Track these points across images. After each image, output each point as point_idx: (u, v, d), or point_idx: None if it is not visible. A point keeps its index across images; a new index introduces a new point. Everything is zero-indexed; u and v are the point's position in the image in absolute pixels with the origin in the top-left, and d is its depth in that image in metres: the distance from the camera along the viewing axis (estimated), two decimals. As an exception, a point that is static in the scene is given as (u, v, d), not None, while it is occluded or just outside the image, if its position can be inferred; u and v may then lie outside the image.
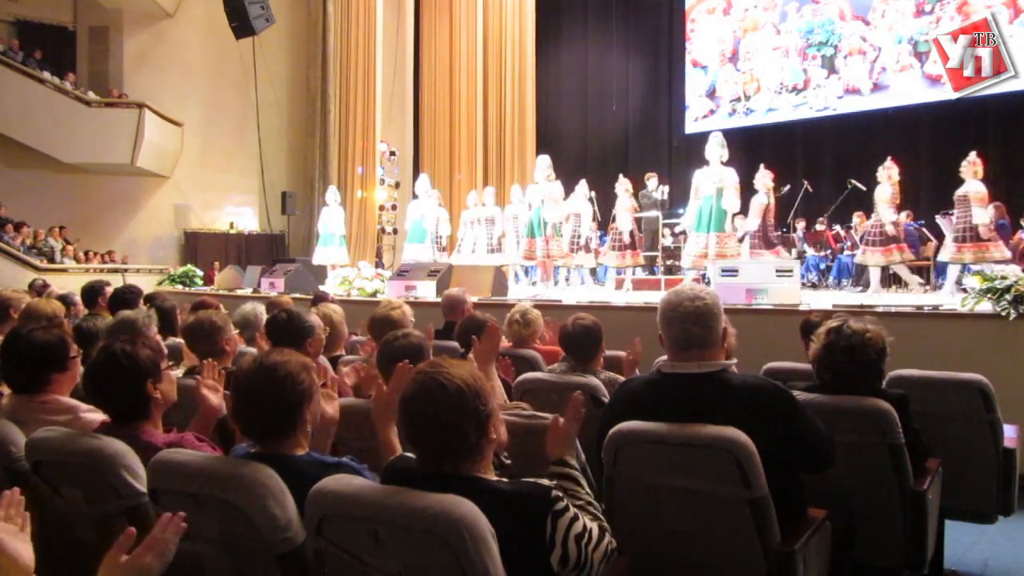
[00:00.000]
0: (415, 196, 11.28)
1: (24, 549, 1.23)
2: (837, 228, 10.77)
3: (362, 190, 15.15)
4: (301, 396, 1.78)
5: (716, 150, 7.79)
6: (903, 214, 9.69)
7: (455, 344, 3.66)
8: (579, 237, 10.16)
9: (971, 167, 7.49)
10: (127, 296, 4.58)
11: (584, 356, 3.13)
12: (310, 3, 15.87)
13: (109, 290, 5.03)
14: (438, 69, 16.11)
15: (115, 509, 1.80)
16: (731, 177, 7.72)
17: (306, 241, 15.11)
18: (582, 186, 9.94)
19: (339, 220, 11.29)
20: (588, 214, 9.93)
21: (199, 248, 15.24)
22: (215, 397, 2.25)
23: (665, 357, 2.13)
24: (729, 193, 7.64)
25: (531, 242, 9.46)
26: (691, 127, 14.63)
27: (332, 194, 11.48)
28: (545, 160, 9.51)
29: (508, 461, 2.06)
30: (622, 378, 2.98)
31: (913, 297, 7.58)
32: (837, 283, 9.84)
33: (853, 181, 9.78)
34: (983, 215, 7.34)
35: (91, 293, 5.11)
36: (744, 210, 8.13)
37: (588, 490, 1.79)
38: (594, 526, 1.59)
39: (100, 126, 13.95)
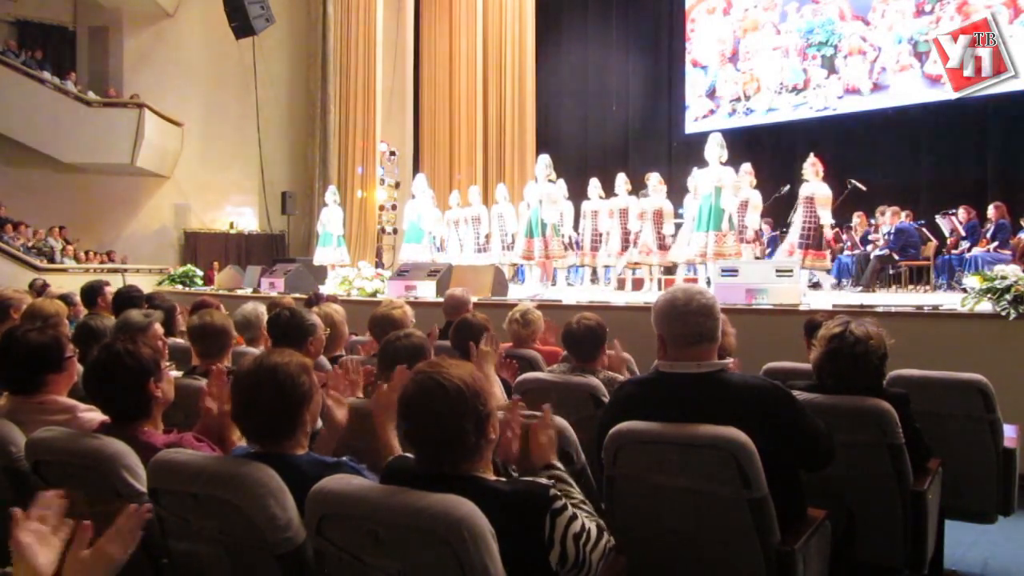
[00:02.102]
0: (413, 196, 11.29)
1: (44, 557, 1.21)
2: (836, 228, 10.76)
3: (362, 190, 15.15)
4: (302, 397, 1.78)
5: (715, 150, 7.83)
6: (903, 214, 9.71)
7: (454, 344, 3.66)
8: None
9: (813, 168, 7.77)
10: (132, 296, 4.58)
11: (585, 356, 3.12)
12: (310, 3, 15.86)
13: (109, 290, 5.03)
14: (438, 69, 16.09)
15: (115, 509, 1.80)
16: (729, 176, 7.75)
17: (306, 241, 15.11)
18: (622, 179, 9.59)
19: (337, 220, 11.31)
20: (637, 208, 9.38)
21: (199, 248, 15.24)
22: (217, 407, 2.22)
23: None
24: (727, 192, 7.68)
25: (529, 242, 9.47)
26: (691, 127, 14.61)
27: (331, 194, 11.50)
28: (545, 159, 9.51)
29: (515, 474, 2.05)
30: (622, 378, 2.99)
31: (913, 297, 7.59)
32: (837, 283, 9.83)
33: (853, 181, 9.77)
34: (829, 217, 7.73)
35: (91, 293, 5.10)
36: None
37: (579, 490, 1.79)
38: (592, 525, 1.59)
39: (100, 126, 13.95)
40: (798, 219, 7.81)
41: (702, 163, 8.10)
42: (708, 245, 7.71)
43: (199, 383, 2.61)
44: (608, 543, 1.61)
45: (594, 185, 9.90)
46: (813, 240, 7.70)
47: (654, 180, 9.19)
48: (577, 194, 10.31)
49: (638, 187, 9.59)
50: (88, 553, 1.22)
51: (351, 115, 15.10)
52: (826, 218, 7.67)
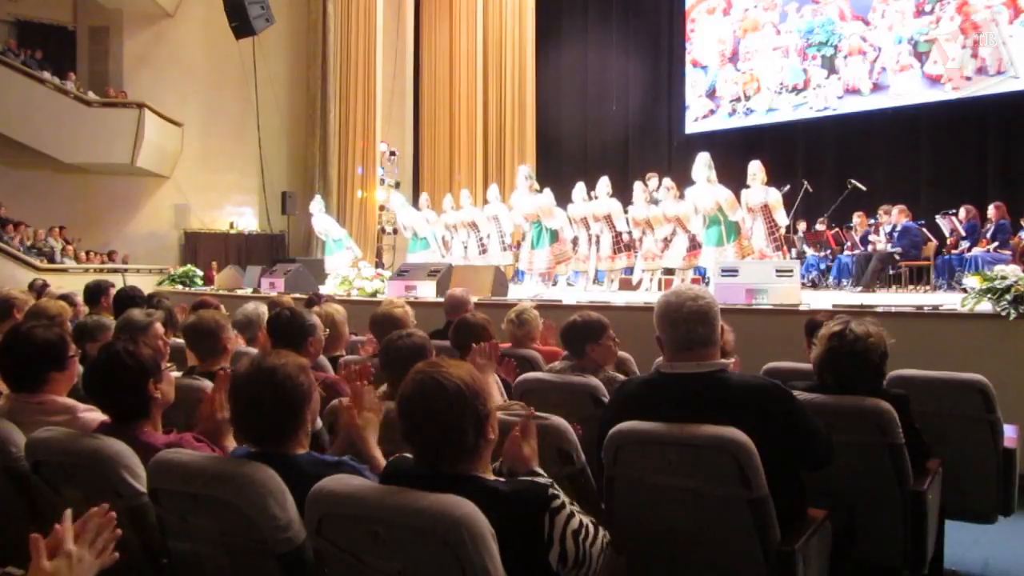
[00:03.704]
0: (387, 208, 11.34)
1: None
2: (837, 228, 10.76)
3: (362, 190, 15.15)
4: (302, 397, 1.78)
5: (703, 171, 7.92)
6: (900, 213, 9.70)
7: (455, 344, 3.65)
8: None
9: (762, 173, 7.83)
10: (134, 296, 4.59)
11: (575, 352, 3.10)
12: (310, 3, 15.87)
13: (113, 291, 5.04)
14: (438, 69, 16.10)
15: (115, 509, 1.80)
16: (725, 195, 7.83)
17: (306, 241, 15.12)
18: (604, 183, 9.43)
19: (334, 225, 11.41)
20: (619, 211, 9.35)
21: (199, 248, 15.23)
22: (221, 413, 2.18)
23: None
24: (730, 211, 7.79)
25: (533, 253, 9.46)
26: (691, 127, 14.61)
27: (316, 203, 11.52)
28: (525, 171, 9.61)
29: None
30: (622, 377, 2.98)
31: (913, 297, 7.59)
32: (837, 283, 9.83)
33: (853, 181, 9.78)
34: (784, 218, 7.88)
35: (95, 292, 5.11)
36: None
37: (564, 492, 1.78)
38: (588, 521, 1.59)
39: (100, 126, 13.94)
40: (760, 225, 7.81)
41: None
42: (730, 256, 7.74)
43: (198, 383, 2.61)
44: (604, 537, 1.61)
45: (579, 189, 9.79)
46: (783, 242, 7.78)
47: (637, 190, 9.09)
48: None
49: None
50: (52, 565, 1.15)
51: (351, 115, 15.10)
52: (783, 220, 7.78)
